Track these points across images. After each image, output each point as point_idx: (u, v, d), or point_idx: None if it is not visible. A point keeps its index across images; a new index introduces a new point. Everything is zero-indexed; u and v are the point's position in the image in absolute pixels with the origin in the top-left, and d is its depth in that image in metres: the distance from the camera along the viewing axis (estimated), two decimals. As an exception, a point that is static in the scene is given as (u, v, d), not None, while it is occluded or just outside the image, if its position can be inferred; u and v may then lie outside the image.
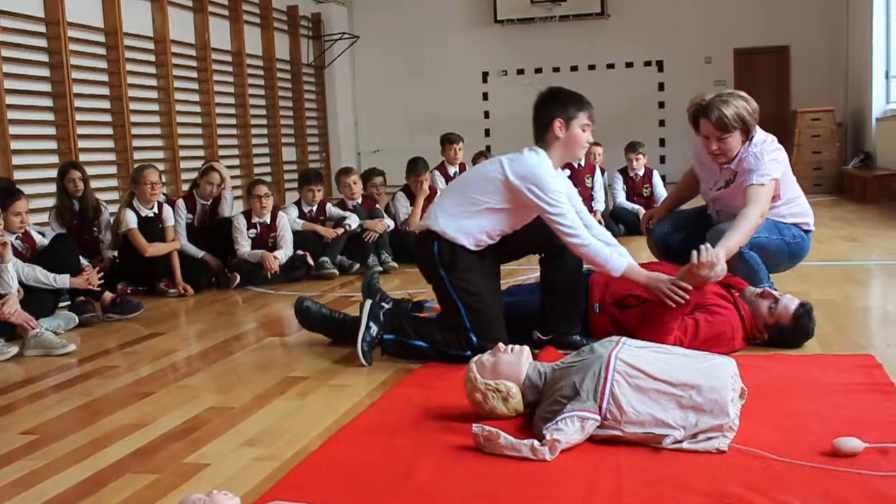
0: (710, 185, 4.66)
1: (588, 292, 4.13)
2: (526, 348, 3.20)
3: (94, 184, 7.34)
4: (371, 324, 4.08)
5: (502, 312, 3.99)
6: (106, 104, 10.42)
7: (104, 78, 10.40)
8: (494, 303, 3.99)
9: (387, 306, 4.15)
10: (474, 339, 3.85)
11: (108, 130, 10.46)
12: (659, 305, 3.83)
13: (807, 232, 4.62)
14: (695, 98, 4.49)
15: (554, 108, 3.88)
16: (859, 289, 5.55)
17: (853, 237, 7.87)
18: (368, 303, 4.16)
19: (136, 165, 8.13)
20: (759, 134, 4.41)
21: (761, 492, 2.36)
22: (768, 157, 4.34)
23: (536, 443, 2.70)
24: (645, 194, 9.07)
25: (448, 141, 8.65)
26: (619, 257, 3.83)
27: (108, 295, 5.65)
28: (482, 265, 3.97)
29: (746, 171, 4.33)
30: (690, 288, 3.79)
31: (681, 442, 2.73)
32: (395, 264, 7.30)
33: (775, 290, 4.21)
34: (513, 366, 3.10)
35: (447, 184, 8.43)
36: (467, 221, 3.89)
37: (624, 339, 3.11)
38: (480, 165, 4.15)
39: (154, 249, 6.54)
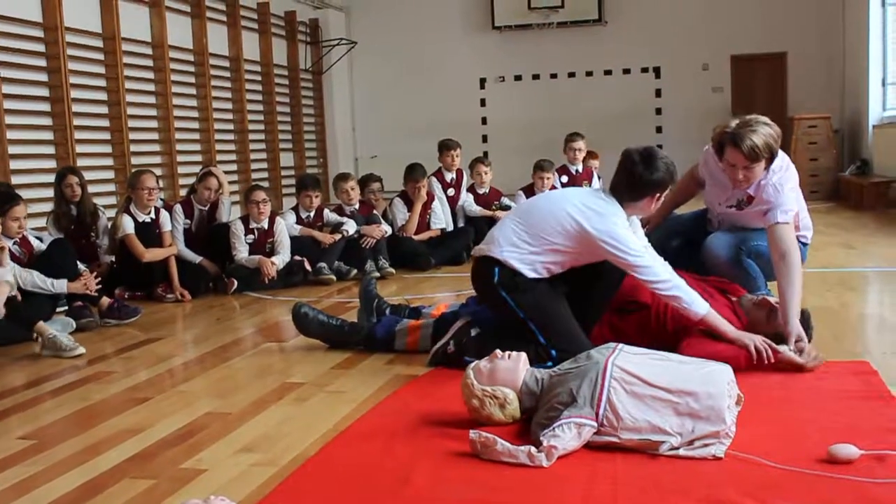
0: (719, 200, 4.59)
1: None
2: (523, 355, 3.21)
3: (91, 189, 7.33)
4: (452, 342, 4.05)
5: (575, 323, 3.88)
6: (104, 109, 10.42)
7: (102, 83, 10.40)
8: (565, 315, 3.88)
9: (474, 333, 4.04)
10: (554, 353, 3.76)
11: (106, 136, 10.45)
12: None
13: (804, 244, 4.61)
14: (718, 127, 4.41)
15: (658, 182, 3.81)
16: (856, 296, 5.56)
17: (850, 244, 7.88)
18: (460, 322, 4.10)
19: (133, 170, 8.13)
20: (778, 159, 4.28)
21: (757, 498, 2.37)
22: (787, 187, 4.25)
23: (533, 449, 2.71)
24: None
25: (445, 147, 8.66)
26: (701, 300, 3.74)
27: (105, 300, 5.66)
28: (546, 282, 3.87)
29: (765, 202, 4.23)
30: (780, 352, 3.72)
31: (677, 448, 2.73)
32: (392, 270, 7.31)
33: (771, 296, 4.22)
34: (510, 372, 3.10)
35: (444, 191, 8.46)
36: (533, 257, 3.81)
37: (621, 345, 3.12)
38: (551, 204, 3.92)
39: (151, 255, 6.55)
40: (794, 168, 4.38)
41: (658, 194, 3.85)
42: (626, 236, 3.75)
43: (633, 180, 3.80)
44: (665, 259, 4.47)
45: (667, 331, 3.87)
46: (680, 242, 4.74)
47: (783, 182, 4.23)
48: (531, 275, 3.82)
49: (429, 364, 4.07)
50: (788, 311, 3.89)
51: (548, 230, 3.81)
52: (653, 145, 3.93)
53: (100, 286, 5.62)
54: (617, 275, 3.86)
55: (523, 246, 3.82)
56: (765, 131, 4.14)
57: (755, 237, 4.40)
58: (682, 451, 2.73)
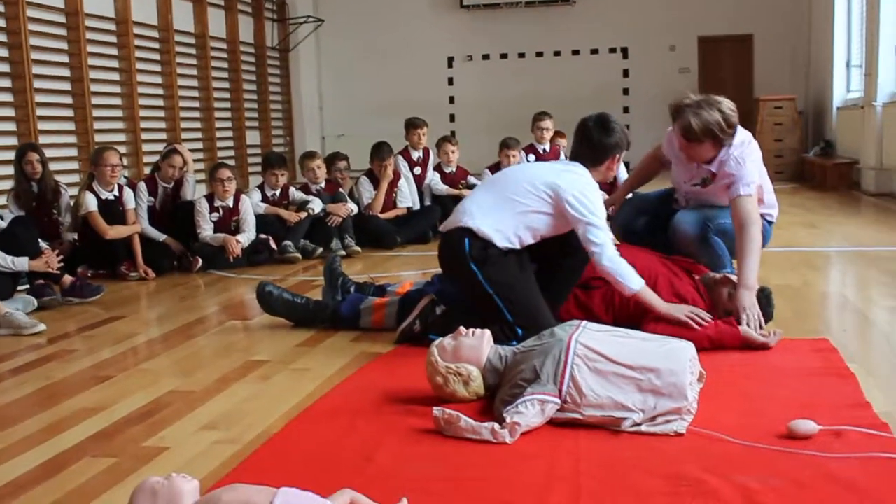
0: (684, 179, 4.62)
1: None
2: (487, 332, 3.21)
3: (54, 166, 7.23)
4: (418, 321, 4.04)
5: (542, 300, 3.86)
6: (66, 86, 10.29)
7: (64, 59, 10.26)
8: (533, 291, 3.86)
9: (439, 311, 4.02)
10: (519, 331, 3.73)
11: (69, 112, 10.33)
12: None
13: (769, 222, 4.64)
14: (677, 97, 4.41)
15: (615, 144, 3.92)
16: (818, 275, 5.62)
17: (813, 224, 7.96)
18: (425, 301, 4.09)
19: (96, 147, 8.04)
20: (740, 134, 4.30)
21: (718, 473, 2.39)
22: (750, 161, 4.28)
23: (497, 426, 2.72)
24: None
25: (412, 125, 8.63)
26: (637, 277, 3.76)
27: (67, 278, 5.60)
28: (516, 256, 3.87)
29: (729, 176, 4.26)
30: (709, 318, 3.77)
31: (640, 425, 2.75)
32: (358, 248, 7.29)
33: (733, 274, 4.26)
34: (474, 349, 3.11)
35: (410, 169, 8.44)
36: (505, 221, 3.81)
37: (585, 323, 3.13)
38: (522, 171, 4.06)
39: (115, 232, 6.48)
40: (756, 144, 4.41)
41: (617, 156, 3.93)
42: (597, 199, 3.81)
43: (592, 145, 3.91)
44: (632, 237, 4.49)
45: (629, 306, 3.89)
46: (647, 220, 4.77)
47: (744, 156, 4.27)
48: (503, 244, 3.79)
49: (396, 343, 4.06)
50: (741, 281, 3.95)
51: (520, 192, 3.82)
52: (604, 112, 4.04)
53: (62, 264, 5.55)
54: (585, 254, 3.87)
55: (495, 214, 3.82)
56: (711, 117, 4.17)
57: (722, 215, 4.43)
58: (644, 428, 2.74)
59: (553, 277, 3.99)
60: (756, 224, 4.14)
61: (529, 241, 3.87)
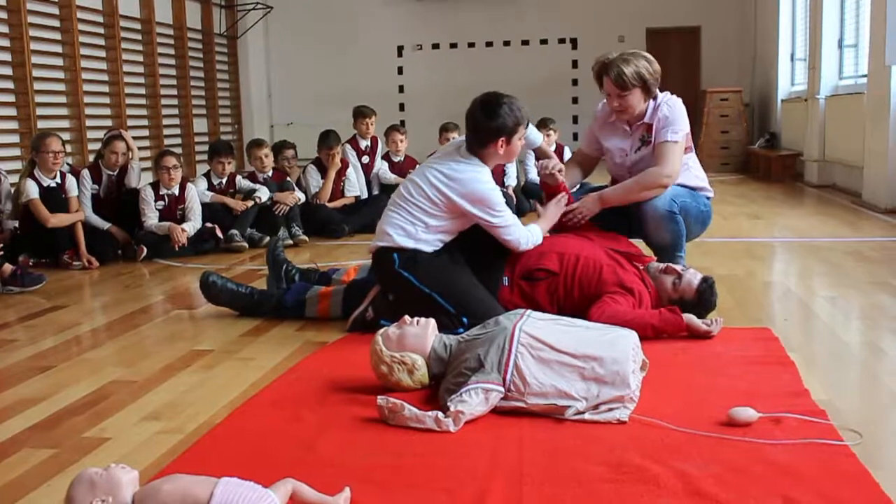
0: (625, 153, 4.60)
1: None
2: (432, 321, 3.21)
3: (-6, 152, 7.11)
4: (370, 308, 4.04)
5: (481, 288, 3.92)
6: (8, 70, 10.10)
7: (6, 43, 10.07)
8: (471, 282, 3.91)
9: (392, 297, 4.01)
10: (465, 319, 3.75)
11: (10, 98, 10.14)
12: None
13: (708, 198, 4.71)
14: (599, 57, 4.54)
15: (497, 127, 3.85)
16: (761, 265, 5.70)
17: (757, 215, 8.07)
18: (375, 289, 4.10)
19: (37, 133, 7.90)
20: (661, 94, 4.48)
21: (659, 460, 2.42)
22: (679, 110, 4.43)
23: (441, 414, 2.72)
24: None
25: (361, 114, 8.60)
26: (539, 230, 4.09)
27: (7, 267, 5.50)
28: (447, 254, 3.92)
29: (662, 122, 4.39)
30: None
31: (583, 413, 2.77)
32: (305, 237, 7.26)
33: (682, 263, 4.31)
34: (419, 338, 3.11)
35: (358, 158, 8.41)
36: (422, 233, 3.87)
37: (529, 311, 3.15)
38: (417, 178, 3.95)
39: (57, 220, 6.37)
40: (680, 100, 4.54)
41: (503, 139, 3.88)
42: (490, 194, 3.87)
43: (476, 128, 3.89)
44: (595, 219, 4.48)
45: (573, 297, 3.92)
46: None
47: (672, 103, 4.44)
48: (428, 249, 3.87)
49: (348, 331, 4.05)
50: (601, 191, 4.24)
51: (421, 202, 3.87)
52: (496, 91, 3.97)
53: (1, 253, 5.46)
54: None
55: (409, 227, 3.87)
56: (639, 63, 4.36)
57: (685, 194, 4.49)
58: (587, 416, 2.76)
59: (484, 258, 4.03)
60: (667, 166, 4.32)
61: (450, 238, 3.96)
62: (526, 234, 4.00)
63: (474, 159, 3.91)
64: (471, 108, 3.93)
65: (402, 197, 3.95)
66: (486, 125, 3.84)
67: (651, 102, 4.44)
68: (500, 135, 3.86)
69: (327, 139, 7.98)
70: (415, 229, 3.87)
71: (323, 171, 7.98)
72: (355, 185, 8.20)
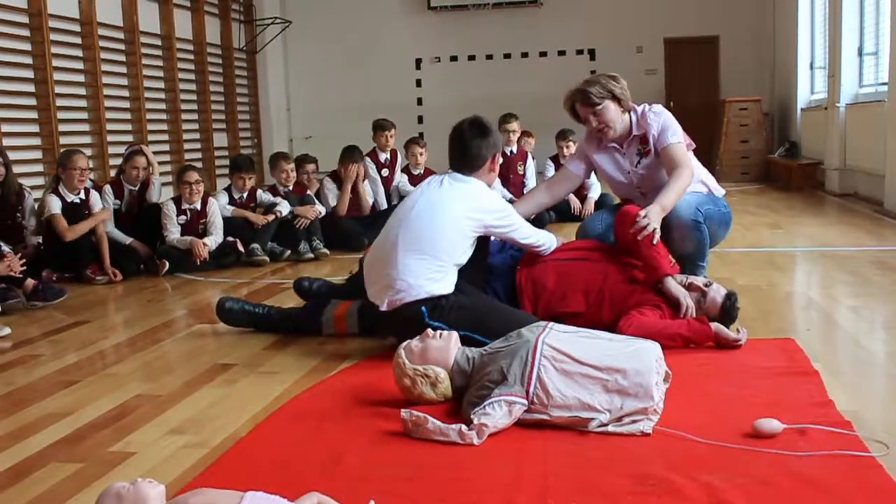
0: (626, 173, 4.59)
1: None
2: (455, 333, 3.22)
3: (18, 169, 7.16)
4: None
5: (501, 308, 3.91)
6: (30, 87, 10.18)
7: (28, 60, 10.15)
8: (491, 304, 3.91)
9: None
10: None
11: (33, 115, 10.22)
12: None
13: (723, 198, 4.71)
14: (567, 93, 4.54)
15: (489, 145, 3.98)
16: (783, 275, 5.67)
17: (778, 224, 8.04)
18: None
19: (63, 150, 7.96)
20: (641, 105, 4.53)
21: (683, 472, 2.41)
22: (667, 115, 4.48)
23: (464, 427, 2.72)
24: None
25: (380, 127, 8.63)
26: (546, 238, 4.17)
27: (30, 282, 5.53)
28: (463, 289, 3.84)
29: (654, 129, 4.42)
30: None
31: (606, 425, 2.77)
32: (326, 251, 7.27)
33: (704, 275, 4.29)
34: (441, 351, 3.11)
35: (378, 171, 8.43)
36: (445, 274, 3.77)
37: (551, 324, 3.15)
38: (434, 217, 3.80)
39: (74, 233, 6.39)
40: (662, 107, 4.59)
41: (495, 155, 4.03)
42: (501, 204, 3.99)
43: (467, 150, 3.98)
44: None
45: (604, 325, 3.80)
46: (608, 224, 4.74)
47: (658, 111, 4.48)
48: (448, 290, 3.77)
49: None
50: (658, 198, 4.14)
51: (452, 239, 3.79)
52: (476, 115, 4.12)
53: (24, 268, 5.49)
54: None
55: (434, 274, 3.74)
56: (599, 80, 4.45)
57: (708, 201, 4.49)
58: (610, 428, 2.76)
59: (469, 275, 3.99)
60: (686, 166, 4.32)
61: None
62: (541, 234, 4.14)
63: (471, 179, 3.95)
64: (456, 134, 4.02)
65: (417, 241, 3.76)
66: (480, 143, 3.97)
67: (632, 115, 4.49)
68: (492, 152, 3.99)
69: (351, 154, 8.02)
70: (439, 271, 3.74)
71: (339, 184, 8.01)
72: (370, 194, 8.21)
